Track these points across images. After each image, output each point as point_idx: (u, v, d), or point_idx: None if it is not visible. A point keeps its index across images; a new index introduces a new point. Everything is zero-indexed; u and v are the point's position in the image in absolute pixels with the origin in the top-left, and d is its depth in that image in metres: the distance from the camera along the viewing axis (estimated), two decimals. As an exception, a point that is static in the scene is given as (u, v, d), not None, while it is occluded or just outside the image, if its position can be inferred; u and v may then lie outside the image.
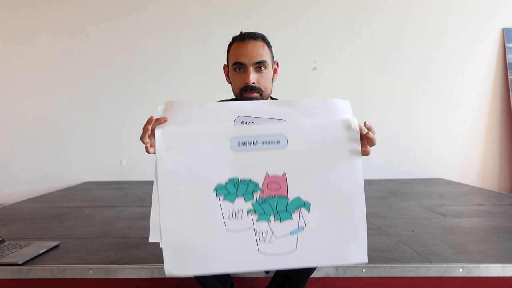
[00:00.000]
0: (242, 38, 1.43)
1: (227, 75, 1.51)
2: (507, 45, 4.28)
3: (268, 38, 1.50)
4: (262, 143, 1.23)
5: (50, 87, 4.44)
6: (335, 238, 1.23)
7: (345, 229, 1.23)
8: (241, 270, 1.26)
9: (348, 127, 1.23)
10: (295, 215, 1.22)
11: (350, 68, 4.38)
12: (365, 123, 1.23)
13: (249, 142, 1.23)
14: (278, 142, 1.23)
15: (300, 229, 1.22)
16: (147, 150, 1.24)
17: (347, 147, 1.23)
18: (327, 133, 1.23)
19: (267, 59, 1.42)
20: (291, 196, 1.22)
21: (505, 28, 4.31)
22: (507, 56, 4.28)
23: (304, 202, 1.22)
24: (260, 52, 1.40)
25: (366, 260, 1.22)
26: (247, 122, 1.23)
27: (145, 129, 1.22)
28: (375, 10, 4.38)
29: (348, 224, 1.23)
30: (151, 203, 1.28)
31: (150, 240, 1.30)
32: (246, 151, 1.23)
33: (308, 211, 1.22)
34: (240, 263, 1.23)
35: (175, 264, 1.23)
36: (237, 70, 1.42)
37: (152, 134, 1.23)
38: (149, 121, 1.22)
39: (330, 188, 1.23)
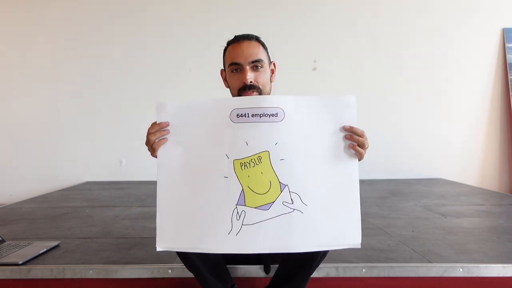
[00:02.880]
0: (237, 40, 1.44)
1: (224, 80, 1.50)
2: (507, 45, 4.28)
3: (268, 38, 1.50)
4: (260, 115, 1.23)
5: (50, 87, 4.44)
6: (329, 222, 1.23)
7: (339, 213, 1.24)
8: (232, 251, 1.25)
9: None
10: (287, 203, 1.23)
11: (350, 68, 4.38)
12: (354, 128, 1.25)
13: (248, 114, 1.23)
14: (275, 115, 1.23)
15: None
16: (153, 155, 1.28)
17: (343, 133, 1.24)
18: (325, 116, 1.24)
19: (263, 58, 1.42)
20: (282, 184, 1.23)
21: (505, 28, 4.31)
22: (507, 56, 4.28)
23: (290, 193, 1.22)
24: (256, 51, 1.41)
25: (359, 243, 1.24)
26: (243, 115, 1.24)
27: (149, 138, 1.26)
28: (375, 10, 4.38)
29: (342, 207, 1.24)
30: (151, 203, 1.28)
31: (158, 249, 1.27)
32: (244, 122, 1.23)
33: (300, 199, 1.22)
34: (230, 243, 1.23)
35: (166, 239, 1.26)
36: (234, 71, 1.41)
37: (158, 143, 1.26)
38: (152, 127, 1.26)
39: (324, 166, 1.24)
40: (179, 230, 1.25)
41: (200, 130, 1.25)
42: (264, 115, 1.23)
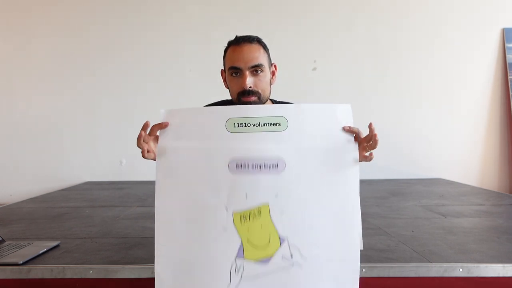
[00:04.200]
0: (237, 42, 1.42)
1: (224, 80, 1.50)
2: (507, 45, 4.28)
3: (268, 38, 1.49)
4: (261, 125, 1.21)
5: (50, 87, 4.44)
6: (328, 275, 1.20)
7: (339, 264, 1.21)
8: None
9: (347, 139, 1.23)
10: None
11: (350, 68, 4.38)
12: (370, 125, 1.21)
13: (246, 123, 1.22)
14: (278, 124, 1.21)
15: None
16: (143, 155, 1.24)
17: (345, 149, 1.22)
18: (325, 138, 1.23)
19: (264, 62, 1.41)
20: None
21: (505, 28, 4.31)
22: (507, 56, 4.28)
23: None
24: (256, 55, 1.39)
25: (362, 247, 1.22)
26: (241, 125, 1.22)
27: (140, 134, 1.22)
28: (375, 10, 4.38)
29: (342, 258, 1.21)
30: (151, 203, 1.27)
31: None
32: (243, 132, 1.21)
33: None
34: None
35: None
36: (233, 74, 1.41)
37: (155, 139, 1.24)
38: (144, 126, 1.22)
39: (327, 175, 1.22)
40: (178, 281, 1.22)
41: (198, 179, 1.23)
42: (264, 124, 1.21)
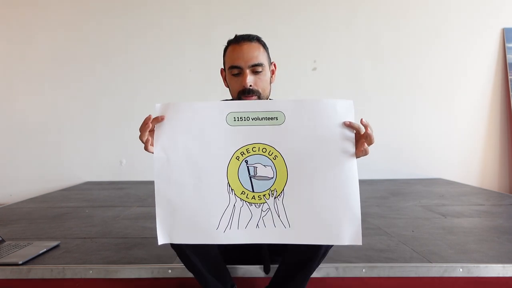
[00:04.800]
0: (237, 41, 1.43)
1: (224, 80, 1.50)
2: (507, 45, 4.28)
3: (268, 38, 1.49)
4: (259, 119, 1.24)
5: (50, 87, 4.44)
6: (329, 218, 1.23)
7: (339, 211, 1.23)
8: (236, 241, 1.25)
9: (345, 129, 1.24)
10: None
11: (350, 68, 4.38)
12: (361, 120, 1.22)
13: (246, 117, 1.24)
14: (276, 118, 1.24)
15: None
16: (146, 147, 1.25)
17: (343, 134, 1.24)
18: (322, 131, 1.24)
19: (264, 60, 1.42)
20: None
21: (505, 28, 4.31)
22: (507, 56, 4.28)
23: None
24: (256, 54, 1.40)
25: (361, 243, 1.23)
26: (240, 118, 1.24)
27: (143, 128, 1.23)
28: (375, 9, 4.38)
29: (342, 205, 1.23)
30: (151, 203, 1.27)
31: (160, 243, 1.26)
32: (243, 125, 1.24)
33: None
34: (236, 235, 1.24)
35: (168, 233, 1.25)
36: (233, 73, 1.41)
37: (151, 134, 1.24)
38: (146, 119, 1.23)
39: (324, 168, 1.24)
40: (183, 227, 1.25)
41: (197, 129, 1.26)
42: (262, 118, 1.24)
